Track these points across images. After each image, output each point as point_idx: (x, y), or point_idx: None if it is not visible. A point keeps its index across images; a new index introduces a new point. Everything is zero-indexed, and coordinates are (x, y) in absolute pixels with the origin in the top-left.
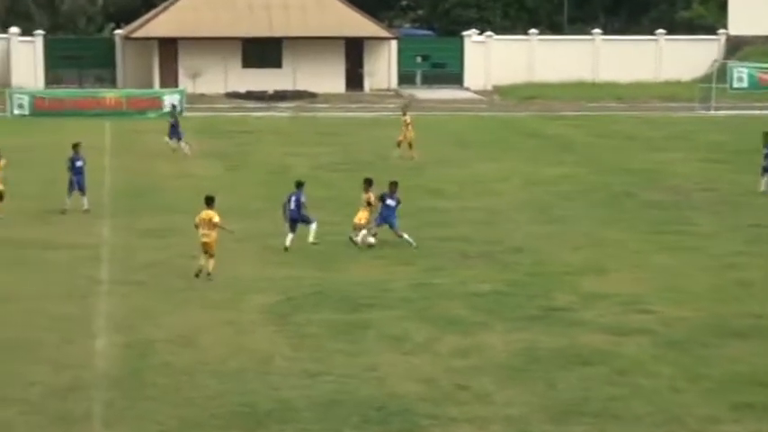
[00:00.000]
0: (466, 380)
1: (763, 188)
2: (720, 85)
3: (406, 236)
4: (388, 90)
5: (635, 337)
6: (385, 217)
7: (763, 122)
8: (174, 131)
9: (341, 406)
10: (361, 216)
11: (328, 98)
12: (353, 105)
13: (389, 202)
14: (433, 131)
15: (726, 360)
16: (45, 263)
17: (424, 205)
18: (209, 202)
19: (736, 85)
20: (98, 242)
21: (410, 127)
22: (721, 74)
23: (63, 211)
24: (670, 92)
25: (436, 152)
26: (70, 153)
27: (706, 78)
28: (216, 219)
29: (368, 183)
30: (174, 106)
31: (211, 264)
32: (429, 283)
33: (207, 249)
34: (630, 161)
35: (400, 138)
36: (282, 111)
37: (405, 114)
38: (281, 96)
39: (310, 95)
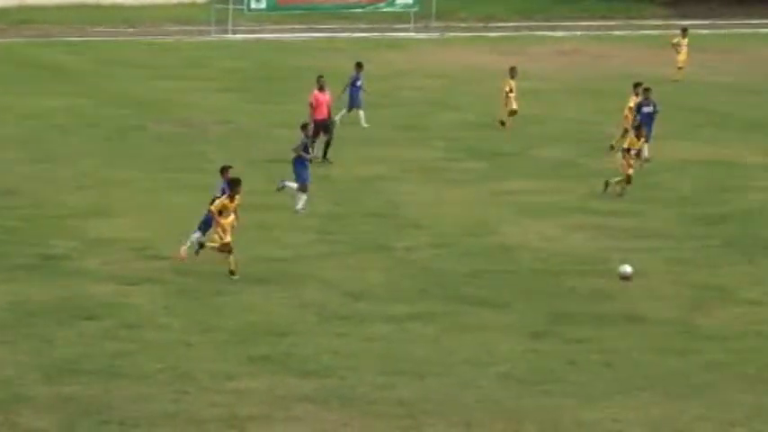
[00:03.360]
0: None
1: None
2: (237, 7)
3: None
4: None
5: (144, 287)
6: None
7: (281, 47)
8: None
9: None
10: None
11: None
12: None
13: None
14: None
15: (241, 309)
16: None
17: None
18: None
19: (253, 6)
20: None
21: None
22: None
23: None
24: (184, 14)
25: None
26: None
27: None
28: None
29: None
30: None
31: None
32: None
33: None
34: (139, 91)
35: None
36: None
37: None
38: None
39: None
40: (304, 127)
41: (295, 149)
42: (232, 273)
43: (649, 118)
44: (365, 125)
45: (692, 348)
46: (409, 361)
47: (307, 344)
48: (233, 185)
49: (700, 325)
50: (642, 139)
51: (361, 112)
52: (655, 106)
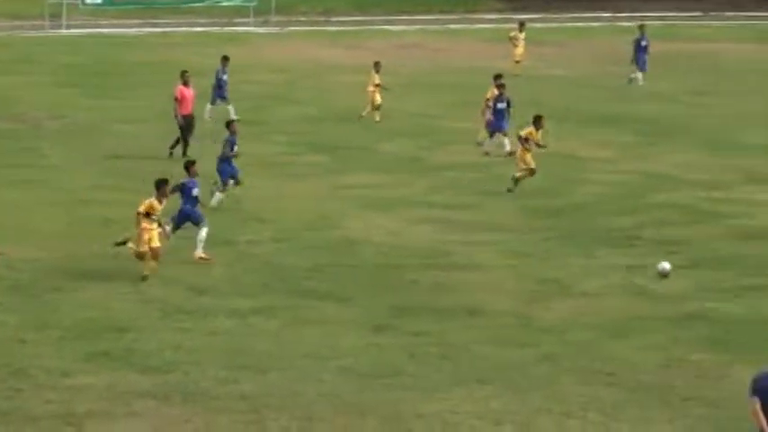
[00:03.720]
0: None
1: None
2: (72, 1)
3: None
4: None
5: None
6: None
7: (118, 42)
8: None
9: None
10: None
11: None
12: None
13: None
14: None
15: (79, 306)
16: None
17: None
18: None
19: (89, 0)
20: None
21: None
22: None
23: None
24: (16, 8)
25: None
26: None
27: None
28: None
29: None
30: None
31: None
32: None
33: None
34: None
35: None
36: None
37: None
38: None
39: None
40: (229, 124)
41: (223, 151)
42: (144, 278)
43: (502, 113)
44: (207, 118)
45: (530, 341)
46: (252, 355)
47: (149, 339)
48: (161, 185)
49: (537, 317)
50: (541, 130)
51: (209, 106)
52: (508, 101)
